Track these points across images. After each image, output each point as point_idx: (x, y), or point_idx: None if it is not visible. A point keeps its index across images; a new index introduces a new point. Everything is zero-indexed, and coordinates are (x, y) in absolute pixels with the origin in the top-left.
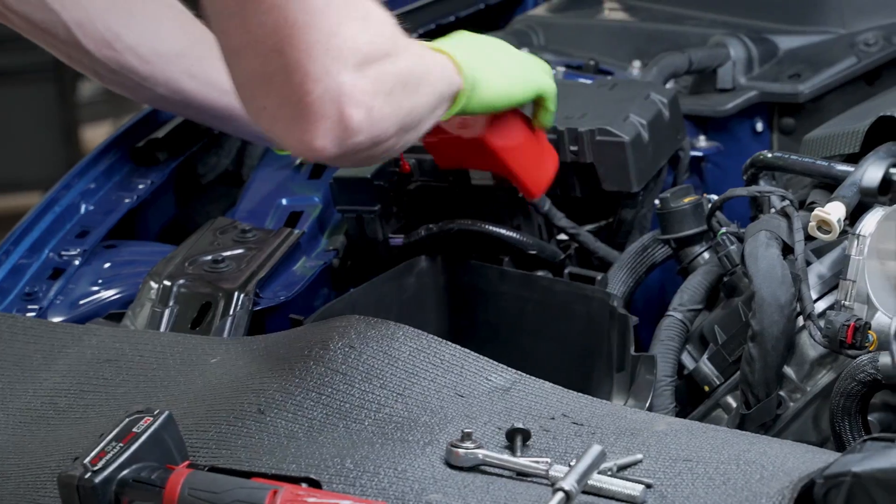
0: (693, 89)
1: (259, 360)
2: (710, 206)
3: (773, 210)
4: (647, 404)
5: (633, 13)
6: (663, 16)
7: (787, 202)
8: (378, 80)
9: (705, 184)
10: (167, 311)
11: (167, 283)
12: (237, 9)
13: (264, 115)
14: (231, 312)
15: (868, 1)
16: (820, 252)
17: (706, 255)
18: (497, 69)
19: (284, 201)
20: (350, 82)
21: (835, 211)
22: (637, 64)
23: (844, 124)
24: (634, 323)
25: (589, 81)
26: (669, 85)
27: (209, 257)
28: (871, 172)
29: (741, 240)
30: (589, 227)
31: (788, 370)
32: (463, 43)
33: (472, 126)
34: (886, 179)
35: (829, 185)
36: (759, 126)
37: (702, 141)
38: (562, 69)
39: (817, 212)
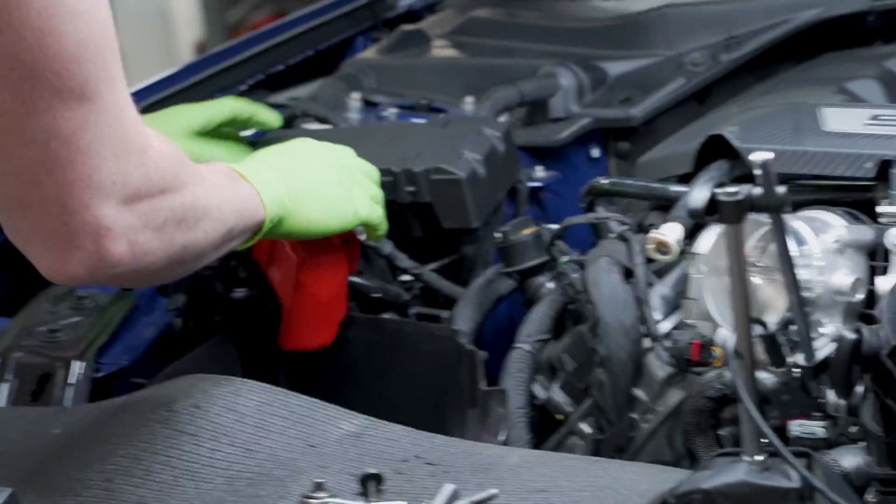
0: (527, 120)
1: (103, 427)
2: (549, 235)
3: (612, 235)
4: (502, 438)
5: (463, 49)
6: (492, 50)
7: (625, 226)
8: (147, 215)
9: (546, 213)
10: (6, 385)
11: (3, 356)
12: None
13: (19, 236)
14: (72, 381)
15: (692, 22)
16: (662, 273)
17: (550, 284)
18: (313, 197)
19: None
20: (112, 216)
21: (671, 232)
22: (470, 100)
23: (676, 145)
24: (483, 358)
25: (422, 121)
26: (503, 118)
27: (46, 327)
28: (697, 193)
29: (583, 267)
30: (432, 265)
31: (639, 392)
32: (280, 164)
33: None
34: (712, 200)
35: (666, 206)
36: (595, 152)
37: (539, 171)
38: (395, 110)
39: (654, 234)
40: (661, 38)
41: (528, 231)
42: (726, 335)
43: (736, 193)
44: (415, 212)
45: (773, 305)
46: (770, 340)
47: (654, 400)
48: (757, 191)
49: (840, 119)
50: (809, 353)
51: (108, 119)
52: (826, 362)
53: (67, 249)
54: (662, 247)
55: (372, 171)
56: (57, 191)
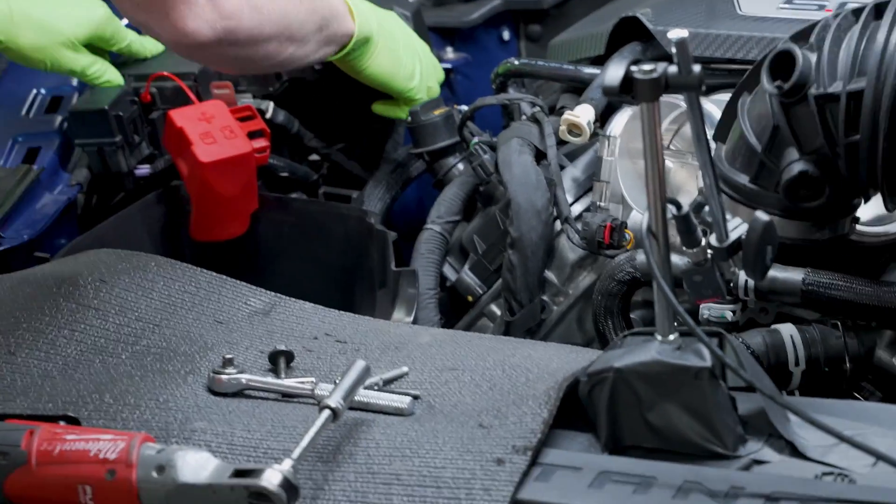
0: (437, 1)
1: (6, 301)
2: (460, 116)
3: (523, 117)
4: (412, 318)
5: None
6: None
7: (536, 108)
8: None
9: (455, 95)
10: None
11: None
12: None
13: (141, 11)
14: None
15: None
16: (573, 156)
17: (460, 166)
18: (392, 47)
19: (20, 138)
20: None
21: (584, 113)
22: None
23: (588, 27)
24: (393, 238)
25: None
26: None
27: None
28: (612, 71)
29: (494, 149)
30: (340, 145)
31: (550, 274)
32: (376, 11)
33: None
34: (627, 78)
35: (578, 88)
36: (506, 35)
37: (449, 52)
38: None
39: (567, 115)
40: None
41: (438, 112)
42: (639, 217)
43: (651, 71)
44: (321, 91)
45: (685, 188)
46: (683, 221)
47: (564, 283)
48: (672, 69)
49: (754, 3)
50: (722, 233)
51: None
52: (738, 243)
53: (186, 4)
54: (575, 128)
55: (438, 70)
56: None
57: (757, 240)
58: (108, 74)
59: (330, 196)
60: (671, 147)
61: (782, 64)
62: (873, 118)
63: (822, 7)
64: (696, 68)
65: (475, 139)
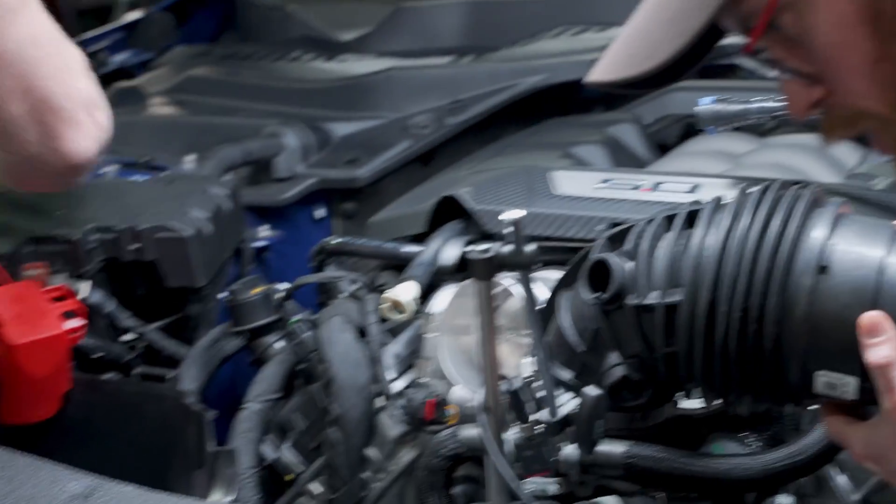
0: (251, 180)
1: None
2: (280, 295)
3: (342, 295)
4: (232, 498)
5: (183, 107)
6: (214, 108)
7: (357, 286)
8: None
9: (270, 273)
10: None
11: None
12: None
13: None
14: None
15: (418, 85)
16: (395, 332)
17: (279, 344)
18: None
19: None
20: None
21: (407, 291)
22: (191, 158)
23: (408, 206)
24: (211, 418)
25: (144, 179)
26: (228, 177)
27: None
28: (448, 252)
29: (315, 327)
30: (156, 324)
31: (371, 451)
32: None
33: None
34: (463, 258)
35: (397, 266)
36: (320, 212)
37: (264, 231)
38: (114, 168)
39: (389, 293)
40: (387, 101)
41: (257, 290)
42: (461, 392)
43: (486, 251)
44: (139, 270)
45: (505, 364)
46: (515, 397)
47: (386, 459)
48: (507, 249)
49: (571, 182)
50: (554, 409)
51: None
52: (569, 418)
53: (75, 127)
54: (398, 306)
55: None
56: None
57: (588, 414)
58: None
59: (146, 376)
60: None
61: (599, 272)
62: (689, 331)
63: (637, 187)
64: (529, 248)
65: (295, 317)
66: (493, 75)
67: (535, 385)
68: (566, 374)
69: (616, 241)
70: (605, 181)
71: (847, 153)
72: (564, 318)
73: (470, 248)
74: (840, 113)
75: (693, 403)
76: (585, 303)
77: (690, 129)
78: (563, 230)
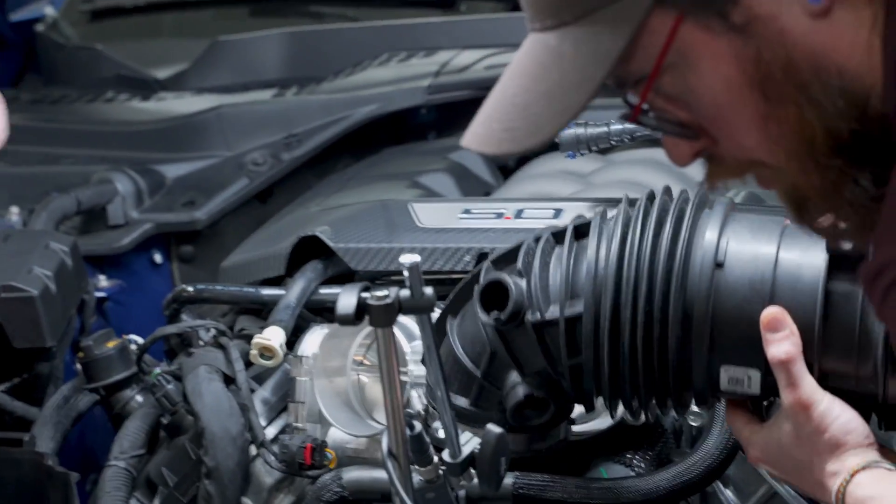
0: (83, 229)
1: None
2: (137, 348)
3: (201, 343)
4: None
5: (1, 159)
6: (35, 158)
7: (220, 333)
8: None
9: (110, 323)
10: None
11: None
12: None
13: None
14: None
15: (250, 121)
16: (259, 378)
17: (139, 398)
18: None
19: None
20: None
21: (275, 336)
22: (16, 210)
23: (260, 249)
24: (75, 480)
25: None
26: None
27: None
28: (345, 300)
29: (177, 378)
30: (2, 386)
31: (247, 501)
32: None
33: None
34: (361, 305)
35: (254, 310)
36: (158, 258)
37: (102, 281)
38: None
39: (258, 339)
40: (219, 139)
41: (111, 344)
42: (340, 435)
43: (385, 297)
44: None
45: (380, 404)
46: (416, 440)
47: None
48: (405, 293)
49: (433, 214)
50: (455, 449)
51: None
52: (471, 458)
53: None
54: (267, 351)
55: None
56: None
57: (491, 452)
58: None
59: (3, 441)
60: (365, 362)
61: (493, 293)
62: (595, 343)
63: (500, 215)
64: (429, 291)
65: (157, 369)
66: (326, 107)
67: (434, 425)
68: (461, 401)
69: (501, 262)
70: (466, 211)
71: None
72: (456, 344)
73: (366, 294)
74: (727, 162)
75: (578, 427)
76: (479, 326)
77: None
78: (429, 263)
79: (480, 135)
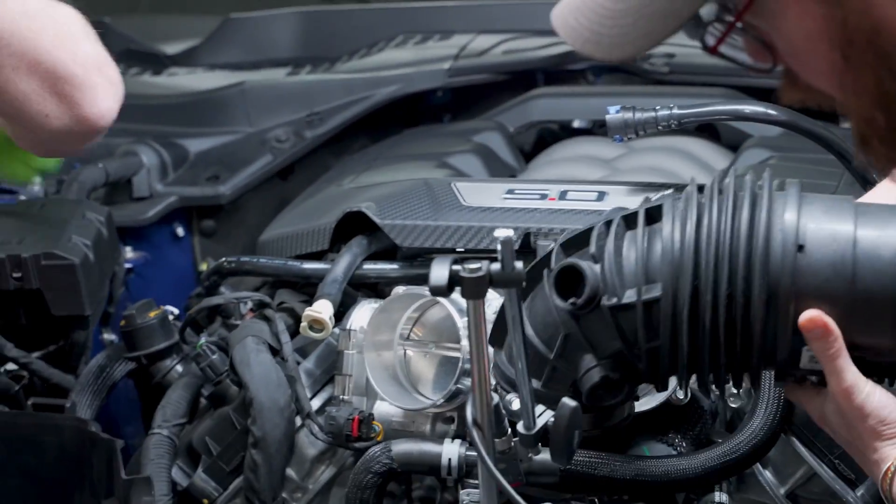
0: (106, 200)
1: None
2: (182, 318)
3: (244, 316)
4: None
5: None
6: None
7: (262, 305)
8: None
9: (131, 294)
10: None
11: None
12: None
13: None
14: None
15: (273, 98)
16: (302, 351)
17: (179, 367)
18: None
19: None
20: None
21: (324, 309)
22: (38, 179)
23: (299, 223)
24: (121, 446)
25: (7, 201)
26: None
27: None
28: (437, 271)
29: (221, 348)
30: (38, 353)
31: (289, 471)
32: None
33: None
34: (453, 276)
35: (293, 283)
36: (180, 231)
37: (129, 252)
38: None
39: (309, 311)
40: (242, 115)
41: (153, 314)
42: (387, 408)
43: (477, 269)
44: (21, 299)
45: (425, 377)
46: (495, 411)
47: (304, 478)
48: (496, 267)
49: (477, 194)
50: (530, 421)
51: None
52: (545, 430)
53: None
54: (317, 324)
55: None
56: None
57: (565, 426)
58: None
59: (41, 406)
60: (412, 336)
61: (568, 278)
62: (673, 325)
63: (544, 196)
64: (518, 265)
65: (202, 339)
66: (347, 86)
67: (508, 397)
68: (533, 382)
69: (570, 247)
70: (509, 191)
71: (715, 156)
72: (526, 327)
73: (457, 266)
74: (801, 84)
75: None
76: (551, 309)
77: (544, 133)
78: (474, 242)
79: (570, 26)
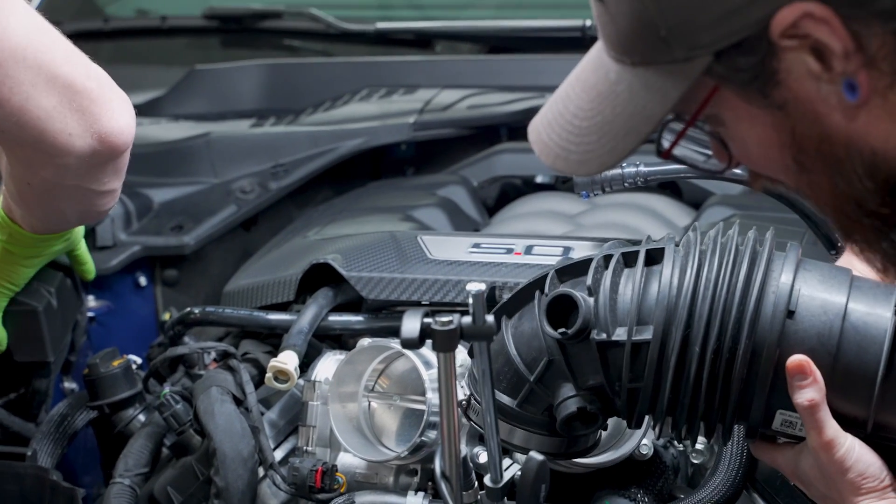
0: None
1: None
2: (145, 368)
3: (207, 366)
4: None
5: None
6: None
7: (226, 355)
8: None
9: (91, 343)
10: None
11: None
12: None
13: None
14: None
15: (238, 149)
16: (267, 402)
17: (141, 417)
18: None
19: None
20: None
21: (290, 360)
22: None
23: (264, 274)
24: (83, 495)
25: None
26: None
27: None
28: (409, 324)
29: (184, 398)
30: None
31: None
32: None
33: None
34: (424, 329)
35: (257, 333)
36: (143, 280)
37: (91, 301)
38: None
39: (274, 362)
40: (207, 166)
41: (117, 363)
42: (350, 459)
43: (448, 322)
44: None
45: (388, 430)
46: (463, 464)
47: None
48: (467, 320)
49: (443, 247)
50: (497, 474)
51: None
52: (512, 483)
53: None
54: (282, 375)
55: None
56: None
57: (532, 479)
58: None
59: (1, 454)
60: (377, 388)
61: (560, 306)
62: (658, 370)
63: (510, 250)
64: (490, 318)
65: (166, 389)
66: (313, 138)
67: (475, 450)
68: (506, 399)
69: (565, 274)
70: (475, 245)
71: (677, 213)
72: (510, 346)
73: (429, 319)
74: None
75: (580, 460)
76: (537, 332)
77: (507, 188)
78: (441, 294)
79: (542, 141)
